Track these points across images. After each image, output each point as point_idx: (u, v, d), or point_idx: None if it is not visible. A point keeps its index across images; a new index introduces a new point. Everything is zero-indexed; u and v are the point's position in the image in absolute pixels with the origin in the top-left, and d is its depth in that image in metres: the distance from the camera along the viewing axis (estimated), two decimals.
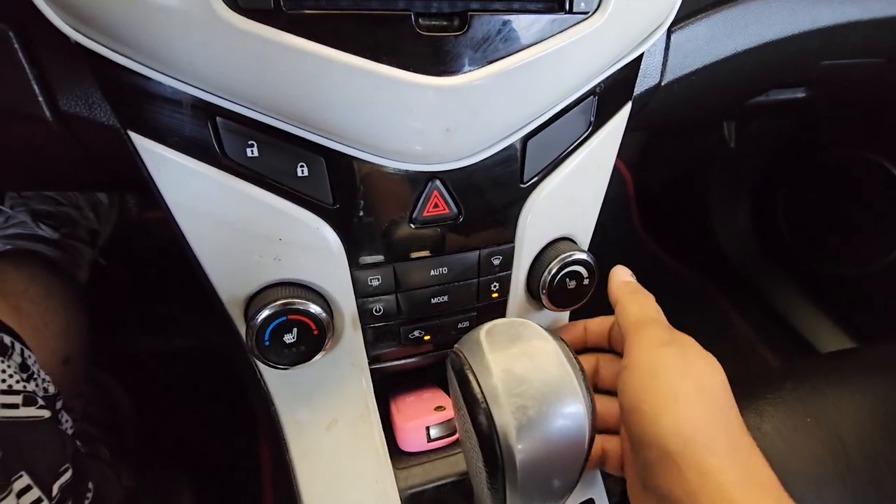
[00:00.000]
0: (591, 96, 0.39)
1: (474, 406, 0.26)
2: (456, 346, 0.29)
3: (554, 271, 0.41)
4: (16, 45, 0.27)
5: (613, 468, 0.38)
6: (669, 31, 0.44)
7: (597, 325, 0.43)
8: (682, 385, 0.30)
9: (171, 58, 0.27)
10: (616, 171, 0.45)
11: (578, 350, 0.44)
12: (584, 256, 0.42)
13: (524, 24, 0.32)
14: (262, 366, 0.39)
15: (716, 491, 0.26)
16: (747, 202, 1.15)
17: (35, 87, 0.28)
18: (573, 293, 0.43)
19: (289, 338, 0.35)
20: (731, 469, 0.27)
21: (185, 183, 0.32)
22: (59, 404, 0.39)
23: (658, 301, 0.38)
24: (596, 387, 0.42)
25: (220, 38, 0.27)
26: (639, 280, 0.41)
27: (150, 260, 0.89)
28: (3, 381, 0.33)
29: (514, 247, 0.41)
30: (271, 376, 0.39)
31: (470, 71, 0.31)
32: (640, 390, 0.29)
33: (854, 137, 0.97)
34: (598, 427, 0.35)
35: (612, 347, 0.42)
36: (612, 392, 0.40)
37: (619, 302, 0.38)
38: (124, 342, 0.86)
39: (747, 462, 0.29)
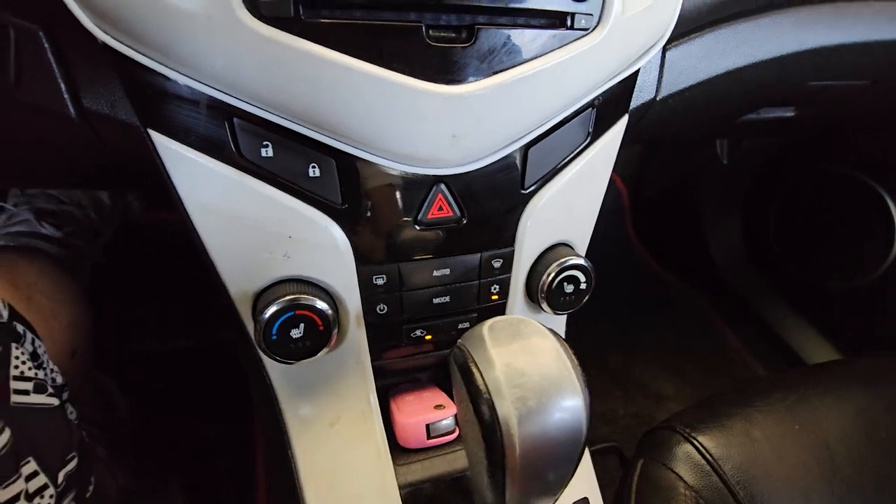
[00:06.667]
0: (590, 108, 0.41)
1: (477, 397, 0.28)
2: (459, 341, 0.30)
3: (552, 275, 0.42)
4: (45, 45, 0.29)
5: None
6: (664, 49, 0.46)
7: None
8: None
9: (194, 60, 0.29)
10: (611, 183, 0.46)
11: None
12: (581, 262, 0.43)
13: (528, 38, 0.33)
14: (267, 361, 0.40)
15: None
16: (739, 217, 1.17)
17: (61, 84, 0.30)
18: (571, 297, 0.44)
19: (296, 332, 0.36)
20: None
21: (201, 180, 0.33)
22: (65, 395, 0.39)
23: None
24: None
25: (242, 43, 0.28)
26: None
27: (149, 261, 0.89)
28: (17, 367, 0.34)
29: (514, 250, 0.42)
30: (276, 373, 0.40)
31: (476, 80, 0.33)
32: None
33: (841, 157, 1.00)
34: None
35: None
36: None
37: None
38: (121, 342, 0.86)
39: None
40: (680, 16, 0.41)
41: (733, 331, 1.15)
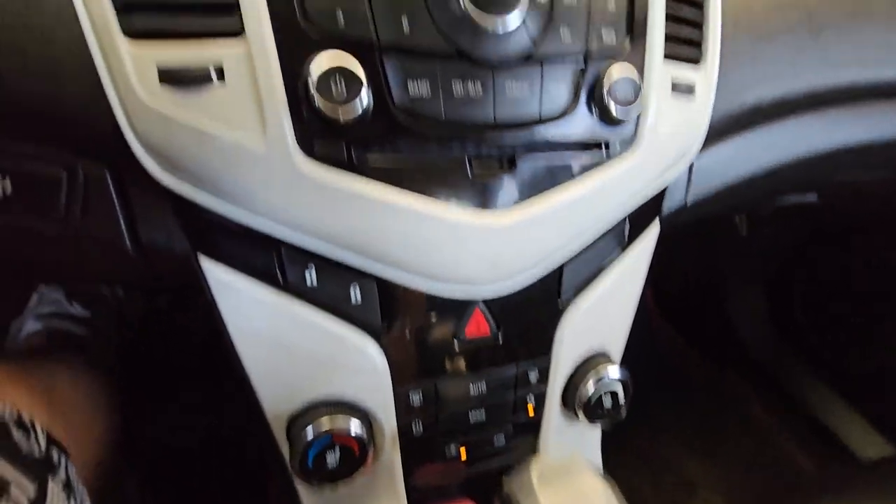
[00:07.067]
0: (624, 220, 0.41)
1: None
2: (506, 481, 0.29)
3: (591, 391, 0.41)
4: (110, 187, 0.30)
5: None
6: None
7: None
8: None
9: (251, 198, 0.30)
10: None
11: None
12: (619, 376, 0.42)
13: (566, 164, 0.34)
14: (300, 486, 0.38)
15: None
16: (763, 293, 1.15)
17: (122, 222, 0.31)
18: (609, 410, 0.43)
19: (331, 458, 0.35)
20: None
21: (246, 305, 0.33)
22: None
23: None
24: None
25: (297, 182, 0.29)
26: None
27: (172, 349, 0.89)
28: (51, 501, 0.33)
29: (550, 363, 0.42)
30: (309, 498, 0.39)
31: (515, 206, 0.34)
32: None
33: (865, 234, 1.00)
34: None
35: None
36: None
37: None
38: (152, 436, 0.84)
39: None
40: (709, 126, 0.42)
41: (766, 413, 1.10)
